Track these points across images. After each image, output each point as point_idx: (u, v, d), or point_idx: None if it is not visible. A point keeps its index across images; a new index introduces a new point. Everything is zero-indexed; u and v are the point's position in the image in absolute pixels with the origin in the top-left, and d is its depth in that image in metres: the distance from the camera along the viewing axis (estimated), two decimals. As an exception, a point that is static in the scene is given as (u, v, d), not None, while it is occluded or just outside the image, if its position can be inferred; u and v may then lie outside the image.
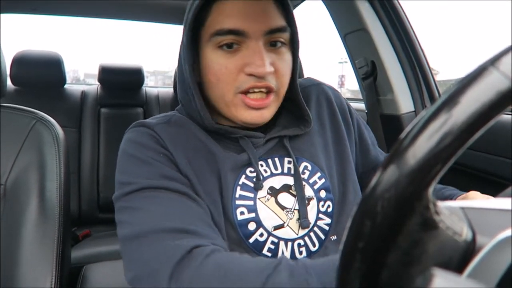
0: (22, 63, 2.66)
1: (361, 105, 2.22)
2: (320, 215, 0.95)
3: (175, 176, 0.87)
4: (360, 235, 0.36)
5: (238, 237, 0.89)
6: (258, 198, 0.92)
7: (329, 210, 0.97)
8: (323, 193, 0.97)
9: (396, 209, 0.35)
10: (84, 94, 2.94)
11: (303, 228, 0.92)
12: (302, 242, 0.92)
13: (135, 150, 0.91)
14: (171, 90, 3.11)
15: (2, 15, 2.66)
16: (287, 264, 0.70)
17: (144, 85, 3.11)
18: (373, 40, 1.86)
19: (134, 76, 3.01)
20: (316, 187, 0.97)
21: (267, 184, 0.94)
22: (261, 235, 0.90)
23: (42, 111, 1.17)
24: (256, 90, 0.89)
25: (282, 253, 0.90)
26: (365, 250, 0.36)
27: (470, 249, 0.39)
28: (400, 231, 0.36)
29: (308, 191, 0.96)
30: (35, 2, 2.59)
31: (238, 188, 0.92)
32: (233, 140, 0.97)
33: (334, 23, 2.10)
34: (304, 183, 0.96)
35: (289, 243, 0.91)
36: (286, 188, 0.95)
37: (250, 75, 0.87)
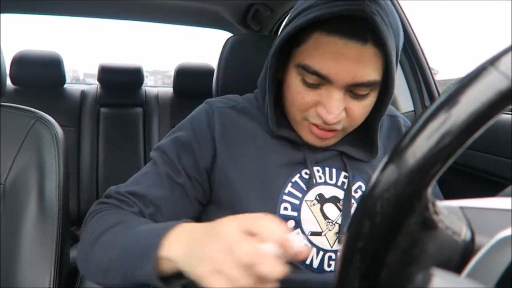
0: (22, 62, 2.66)
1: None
2: None
3: (174, 159, 0.97)
4: (359, 235, 0.36)
5: None
6: (305, 200, 0.94)
7: None
8: None
9: (396, 208, 0.35)
10: (83, 94, 2.94)
11: (340, 242, 0.92)
12: (333, 256, 0.92)
13: (181, 125, 1.05)
14: (170, 89, 3.11)
15: (2, 15, 2.66)
16: (115, 224, 0.84)
17: (143, 84, 3.10)
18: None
19: (133, 76, 3.01)
20: None
21: (317, 190, 0.95)
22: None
23: (41, 111, 1.17)
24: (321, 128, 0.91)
25: (312, 259, 0.91)
26: (364, 250, 0.36)
27: (469, 249, 0.39)
28: (399, 231, 0.36)
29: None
30: (35, 2, 2.59)
31: (290, 184, 0.94)
32: (291, 140, 0.99)
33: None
34: (353, 201, 0.96)
35: (321, 253, 0.92)
36: (334, 200, 0.96)
37: (320, 115, 0.88)
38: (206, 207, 1.02)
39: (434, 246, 0.38)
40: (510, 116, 1.41)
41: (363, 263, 0.37)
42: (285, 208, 0.92)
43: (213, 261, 0.61)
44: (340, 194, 0.96)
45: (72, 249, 2.16)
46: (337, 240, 0.93)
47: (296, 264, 0.89)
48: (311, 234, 0.92)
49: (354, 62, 0.82)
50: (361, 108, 0.89)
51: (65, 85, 2.91)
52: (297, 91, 0.89)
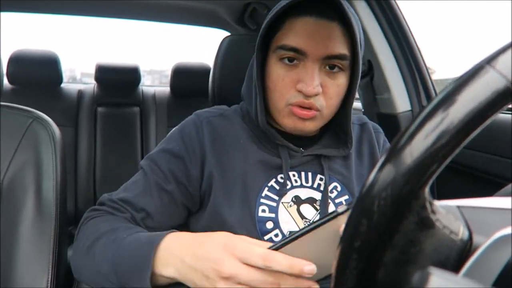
0: (19, 62, 2.65)
1: (358, 104, 2.22)
2: None
3: (163, 168, 1.01)
4: (356, 234, 0.36)
5: (255, 232, 0.96)
6: (282, 202, 0.99)
7: None
8: None
9: (393, 208, 0.35)
10: (80, 93, 2.93)
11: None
12: None
13: (170, 137, 1.08)
14: (167, 89, 3.10)
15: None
16: (107, 236, 0.89)
17: (140, 84, 3.10)
18: (370, 39, 1.85)
19: (130, 75, 3.01)
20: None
21: (293, 192, 1.01)
22: (276, 235, 0.96)
23: (38, 110, 1.17)
24: (302, 106, 0.96)
25: None
26: (361, 249, 0.36)
27: (466, 248, 0.39)
28: (396, 230, 0.36)
29: (332, 209, 1.01)
30: (32, 1, 2.58)
31: (266, 189, 1.00)
32: (273, 145, 1.04)
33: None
34: (329, 201, 1.02)
35: None
36: (311, 201, 1.02)
37: (300, 91, 0.94)
38: (195, 213, 1.06)
39: (432, 245, 0.38)
40: (507, 115, 1.41)
41: (360, 262, 0.37)
42: (263, 211, 0.98)
43: (203, 272, 0.71)
44: (316, 195, 1.02)
45: (70, 248, 2.16)
46: None
47: None
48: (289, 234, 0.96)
49: (326, 36, 0.93)
50: (335, 87, 0.97)
51: (62, 85, 2.91)
52: (277, 75, 0.97)
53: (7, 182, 1.07)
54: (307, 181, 1.03)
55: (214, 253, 0.71)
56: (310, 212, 1.00)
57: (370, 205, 0.36)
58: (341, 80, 0.98)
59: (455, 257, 0.39)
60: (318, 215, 1.00)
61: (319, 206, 1.01)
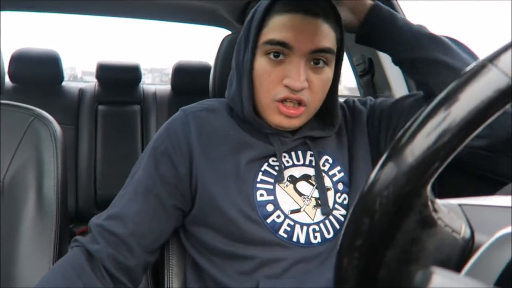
0: (20, 60, 2.66)
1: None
2: (336, 206, 1.02)
3: (151, 171, 1.01)
4: (358, 232, 0.36)
5: (257, 216, 0.96)
6: (277, 184, 1.00)
7: (345, 202, 1.03)
8: (340, 186, 1.04)
9: (395, 206, 0.35)
10: (81, 92, 2.94)
11: (323, 214, 1.00)
12: (317, 228, 0.99)
13: (157, 136, 1.07)
14: (168, 87, 3.11)
15: (0, 12, 2.65)
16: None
17: (141, 82, 3.10)
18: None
19: (131, 73, 3.01)
20: (334, 179, 1.04)
21: (287, 173, 1.02)
22: (278, 216, 0.97)
23: (39, 109, 1.17)
24: (289, 100, 0.96)
25: (298, 235, 0.97)
26: (363, 247, 0.36)
27: (468, 247, 0.39)
28: (398, 229, 0.36)
29: (327, 182, 1.03)
30: (33, 0, 2.59)
31: (260, 173, 1.01)
32: (262, 134, 1.04)
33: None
34: (323, 174, 1.04)
35: (305, 227, 0.98)
36: (305, 177, 1.03)
37: (286, 86, 0.95)
38: (190, 212, 1.05)
39: (434, 244, 0.38)
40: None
41: (362, 261, 0.37)
42: (261, 195, 0.99)
43: None
44: (309, 171, 1.04)
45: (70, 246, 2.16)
46: (317, 213, 1.00)
47: (285, 243, 0.96)
48: (291, 212, 0.98)
49: (312, 32, 0.95)
50: (320, 82, 0.98)
51: (63, 83, 2.92)
52: (263, 71, 0.97)
53: (8, 180, 1.07)
54: (298, 160, 1.05)
55: None
56: (307, 188, 1.02)
57: (371, 203, 0.35)
58: (326, 75, 0.99)
59: (457, 256, 0.39)
60: (315, 190, 1.02)
61: (314, 181, 1.03)
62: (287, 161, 1.04)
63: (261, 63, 0.98)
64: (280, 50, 0.95)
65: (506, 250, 0.36)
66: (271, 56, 0.96)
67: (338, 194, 1.03)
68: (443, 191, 1.14)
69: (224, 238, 0.97)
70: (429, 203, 0.37)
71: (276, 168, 1.02)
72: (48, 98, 2.75)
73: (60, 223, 1.08)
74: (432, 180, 0.35)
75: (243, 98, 1.01)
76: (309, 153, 1.06)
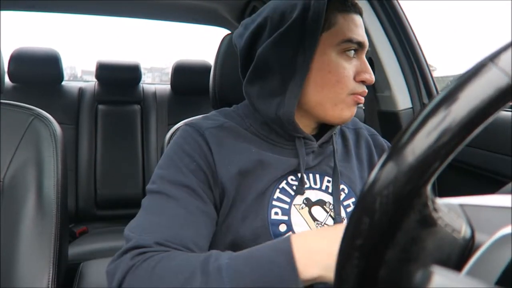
0: (20, 60, 2.66)
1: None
2: None
3: (195, 187, 0.94)
4: (358, 232, 0.36)
5: (269, 235, 0.93)
6: (294, 204, 0.98)
7: None
8: None
9: (395, 206, 0.35)
10: (81, 91, 2.94)
11: None
12: None
13: (174, 153, 0.99)
14: (168, 87, 3.11)
15: (0, 12, 2.65)
16: (205, 267, 0.76)
17: (141, 82, 3.11)
18: (371, 36, 1.86)
19: (131, 73, 3.02)
20: (348, 210, 1.03)
21: (304, 194, 1.00)
22: None
23: (39, 108, 1.17)
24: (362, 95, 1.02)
25: None
26: (363, 247, 0.36)
27: (469, 247, 0.39)
28: (398, 228, 0.36)
29: (341, 212, 1.01)
30: (33, 0, 2.59)
31: (278, 191, 0.98)
32: (286, 144, 1.03)
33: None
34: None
35: None
36: (321, 203, 1.01)
37: (362, 81, 1.01)
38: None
39: (434, 243, 0.38)
40: (509, 113, 1.41)
41: (362, 260, 0.37)
42: (276, 213, 0.96)
43: None
44: (325, 197, 1.02)
45: (70, 246, 2.16)
46: None
47: None
48: None
49: (363, 29, 1.02)
50: None
51: (63, 83, 2.92)
52: (342, 68, 0.99)
53: (8, 180, 1.07)
54: (315, 183, 1.03)
55: None
56: (321, 215, 1.00)
57: (371, 203, 0.35)
58: None
59: (457, 256, 0.39)
60: (329, 218, 1.00)
61: (330, 209, 1.01)
62: (305, 182, 1.01)
63: (337, 60, 0.99)
64: (356, 48, 1.00)
65: (507, 250, 0.36)
66: (350, 53, 1.00)
67: None
68: (442, 191, 1.15)
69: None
70: (429, 203, 0.37)
71: (294, 187, 1.00)
72: (48, 98, 2.76)
73: (60, 223, 1.08)
74: (433, 179, 0.35)
75: (288, 97, 0.98)
76: (326, 178, 1.04)
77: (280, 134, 1.03)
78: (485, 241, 0.38)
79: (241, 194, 0.96)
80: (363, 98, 1.02)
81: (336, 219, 0.99)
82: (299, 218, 0.97)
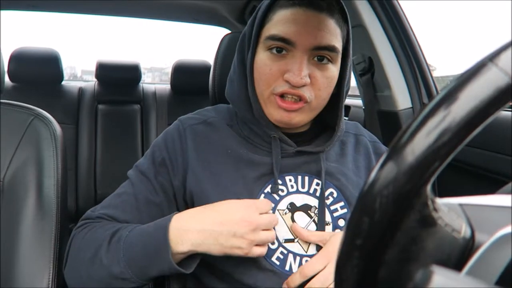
0: (20, 59, 2.66)
1: (359, 102, 2.22)
2: None
3: (151, 178, 1.02)
4: (358, 232, 0.36)
5: None
6: (277, 210, 0.98)
7: None
8: (341, 222, 1.00)
9: (395, 206, 0.35)
10: (81, 91, 2.95)
11: (318, 248, 0.97)
12: None
13: (153, 144, 1.09)
14: (168, 86, 3.11)
15: (0, 12, 2.66)
16: (111, 238, 0.92)
17: (141, 81, 3.11)
18: (371, 36, 1.86)
19: (131, 73, 3.02)
20: (335, 214, 1.01)
21: (289, 199, 1.00)
22: (273, 243, 0.95)
23: (39, 108, 1.17)
24: (289, 96, 0.95)
25: (290, 265, 0.95)
26: (363, 247, 0.36)
27: (469, 246, 0.39)
28: (398, 228, 0.36)
29: (327, 217, 1.00)
30: (33, 0, 2.59)
31: (262, 195, 0.99)
32: (264, 142, 1.03)
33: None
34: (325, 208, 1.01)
35: (298, 258, 0.96)
36: (305, 208, 1.00)
37: (287, 81, 0.94)
38: None
39: (434, 243, 0.38)
40: (509, 112, 1.41)
41: (362, 260, 0.37)
42: None
43: (230, 232, 0.85)
44: (311, 201, 1.01)
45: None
46: (310, 245, 0.98)
47: (277, 270, 0.94)
48: (285, 241, 0.97)
49: (315, 27, 0.93)
50: (324, 79, 0.96)
51: (63, 82, 2.92)
52: (264, 64, 0.97)
53: (8, 180, 1.07)
54: (303, 186, 1.01)
55: (237, 214, 0.86)
56: (303, 220, 0.99)
57: (371, 203, 0.35)
58: (331, 73, 0.97)
59: (457, 255, 0.39)
60: (312, 223, 0.99)
61: (315, 213, 0.99)
62: (292, 186, 1.01)
63: (263, 58, 0.97)
64: (282, 46, 0.94)
65: (507, 249, 0.36)
66: (273, 51, 0.95)
67: (337, 230, 0.99)
68: (442, 190, 1.15)
69: (214, 256, 0.90)
70: (429, 202, 0.37)
71: (280, 193, 0.99)
72: (48, 97, 2.76)
73: (60, 222, 1.08)
74: (433, 179, 0.35)
75: (249, 94, 1.00)
76: (315, 181, 1.02)
77: (259, 134, 1.03)
78: (485, 241, 0.38)
79: (218, 191, 0.98)
80: (288, 104, 0.95)
81: (320, 225, 0.98)
82: (281, 224, 0.97)
